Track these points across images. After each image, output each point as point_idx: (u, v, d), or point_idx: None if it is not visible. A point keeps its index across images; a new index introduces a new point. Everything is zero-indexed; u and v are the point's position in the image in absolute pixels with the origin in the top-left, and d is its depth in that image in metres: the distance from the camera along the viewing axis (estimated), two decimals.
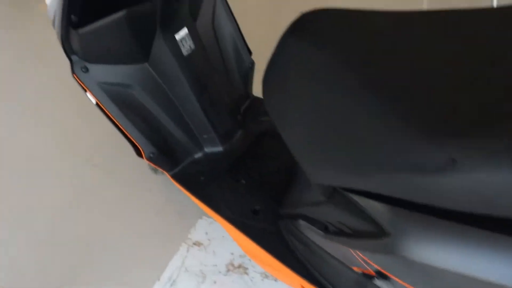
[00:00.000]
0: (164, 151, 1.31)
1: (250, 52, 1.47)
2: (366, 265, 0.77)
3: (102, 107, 1.20)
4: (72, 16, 1.05)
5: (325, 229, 0.89)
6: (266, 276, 1.41)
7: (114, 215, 1.66)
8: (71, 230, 1.63)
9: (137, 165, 1.75)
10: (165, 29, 1.16)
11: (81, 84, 1.16)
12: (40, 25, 2.95)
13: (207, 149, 1.38)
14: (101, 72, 1.17)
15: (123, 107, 1.21)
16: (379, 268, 0.73)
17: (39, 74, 2.49)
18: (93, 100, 1.20)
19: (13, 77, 2.52)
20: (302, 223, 0.99)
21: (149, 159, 1.29)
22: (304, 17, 0.81)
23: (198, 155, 1.38)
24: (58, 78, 2.40)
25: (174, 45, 1.18)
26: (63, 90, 2.32)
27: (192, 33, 1.20)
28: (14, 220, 1.69)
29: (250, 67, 1.47)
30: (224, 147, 1.37)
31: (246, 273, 1.42)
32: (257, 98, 1.53)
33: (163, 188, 1.71)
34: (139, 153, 1.29)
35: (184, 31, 1.18)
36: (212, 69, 1.30)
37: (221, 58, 1.37)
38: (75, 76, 1.15)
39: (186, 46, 1.20)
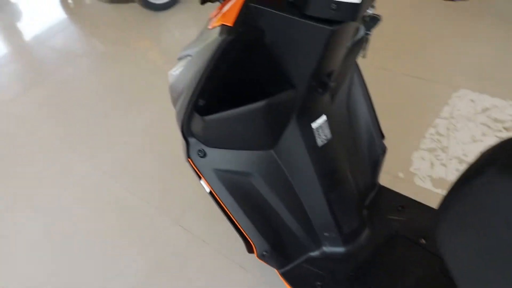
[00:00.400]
0: (278, 248, 1.13)
1: (383, 136, 1.27)
2: None
3: (217, 196, 1.05)
4: (200, 100, 0.91)
5: None
6: None
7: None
8: None
9: (231, 234, 1.58)
10: (302, 117, 0.98)
11: (196, 170, 1.02)
12: (138, 58, 3.07)
13: (326, 248, 1.18)
14: (220, 157, 1.02)
15: (239, 198, 1.06)
16: None
17: (134, 116, 2.45)
18: (207, 189, 1.05)
19: (106, 119, 2.50)
20: None
21: (262, 257, 1.12)
22: (505, 146, 0.64)
23: (314, 253, 1.18)
24: (151, 124, 2.34)
25: (309, 134, 1.01)
26: (155, 136, 2.25)
27: (330, 120, 1.02)
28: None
29: (381, 153, 1.26)
30: (347, 248, 1.17)
31: None
32: (383, 188, 1.31)
33: (259, 267, 1.52)
34: (250, 249, 1.13)
35: (322, 119, 1.00)
36: (346, 161, 1.11)
37: (354, 145, 1.17)
38: (190, 160, 1.01)
39: (322, 135, 1.02)
